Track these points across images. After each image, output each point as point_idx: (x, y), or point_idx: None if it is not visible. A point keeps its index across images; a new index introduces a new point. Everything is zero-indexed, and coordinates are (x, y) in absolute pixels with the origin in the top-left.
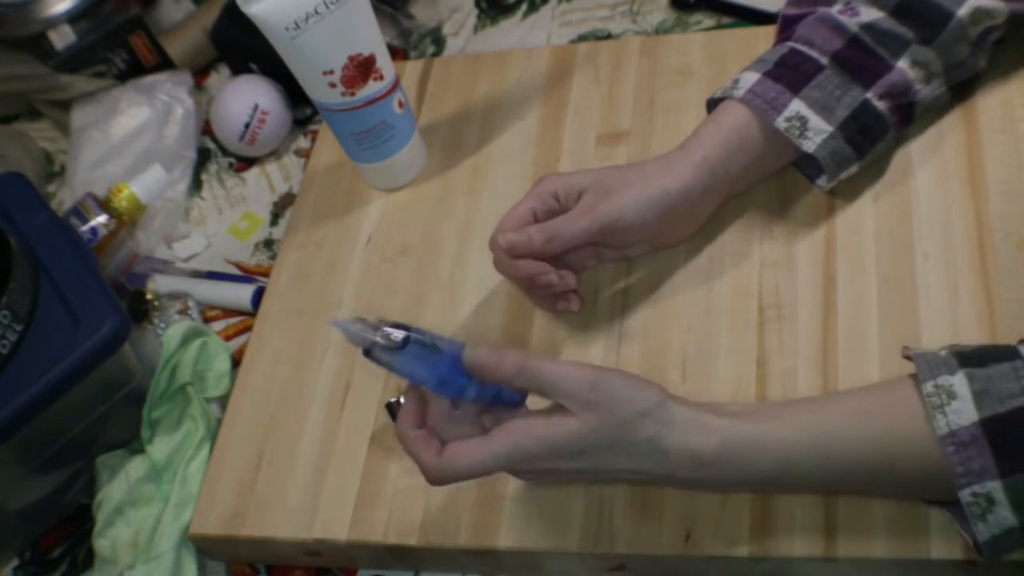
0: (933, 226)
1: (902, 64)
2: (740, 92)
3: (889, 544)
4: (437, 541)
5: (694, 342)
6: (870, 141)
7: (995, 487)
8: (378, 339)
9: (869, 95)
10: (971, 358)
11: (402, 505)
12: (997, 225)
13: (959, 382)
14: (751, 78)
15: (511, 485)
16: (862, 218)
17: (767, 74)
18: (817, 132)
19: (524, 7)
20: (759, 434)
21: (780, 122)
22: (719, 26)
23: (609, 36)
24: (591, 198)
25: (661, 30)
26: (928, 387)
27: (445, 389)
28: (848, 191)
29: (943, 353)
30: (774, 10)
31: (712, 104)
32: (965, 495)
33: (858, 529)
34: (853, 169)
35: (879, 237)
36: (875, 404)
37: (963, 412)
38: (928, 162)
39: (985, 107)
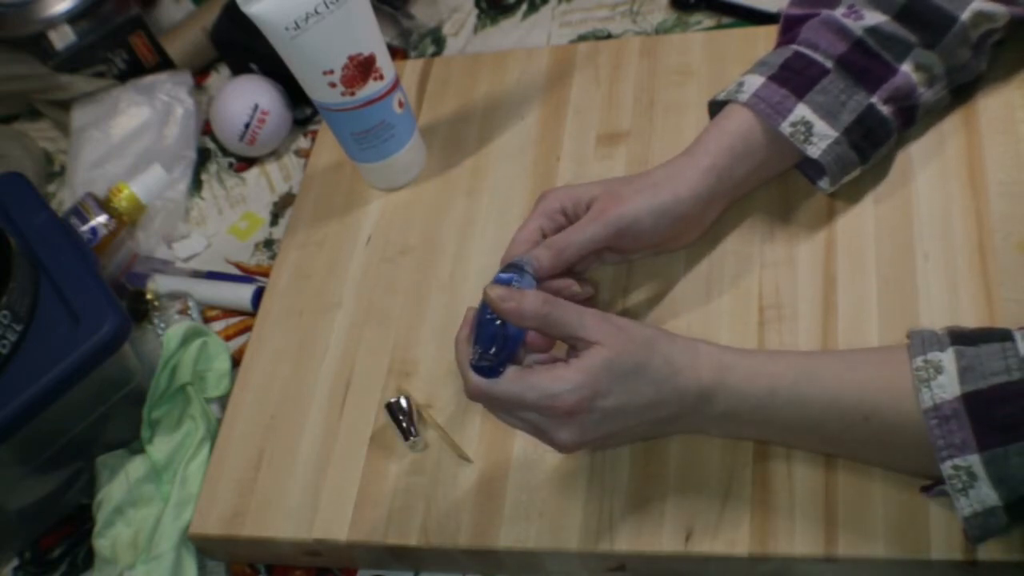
0: (933, 227)
1: (906, 68)
2: (744, 96)
3: (889, 544)
4: (437, 541)
5: None
6: (873, 145)
7: (975, 460)
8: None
9: (874, 99)
10: (964, 337)
11: (402, 505)
12: (997, 226)
13: (947, 358)
14: (755, 82)
15: (511, 485)
16: (862, 219)
17: (772, 78)
18: (822, 137)
19: (524, 7)
20: (752, 364)
21: (785, 127)
22: (719, 26)
23: (609, 36)
24: (602, 205)
25: (661, 30)
26: (918, 361)
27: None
28: (848, 192)
29: (939, 331)
30: (774, 10)
31: (714, 107)
32: (947, 468)
33: (858, 529)
34: (855, 173)
35: (879, 238)
36: (866, 358)
37: (947, 387)
38: (929, 163)
39: (986, 109)
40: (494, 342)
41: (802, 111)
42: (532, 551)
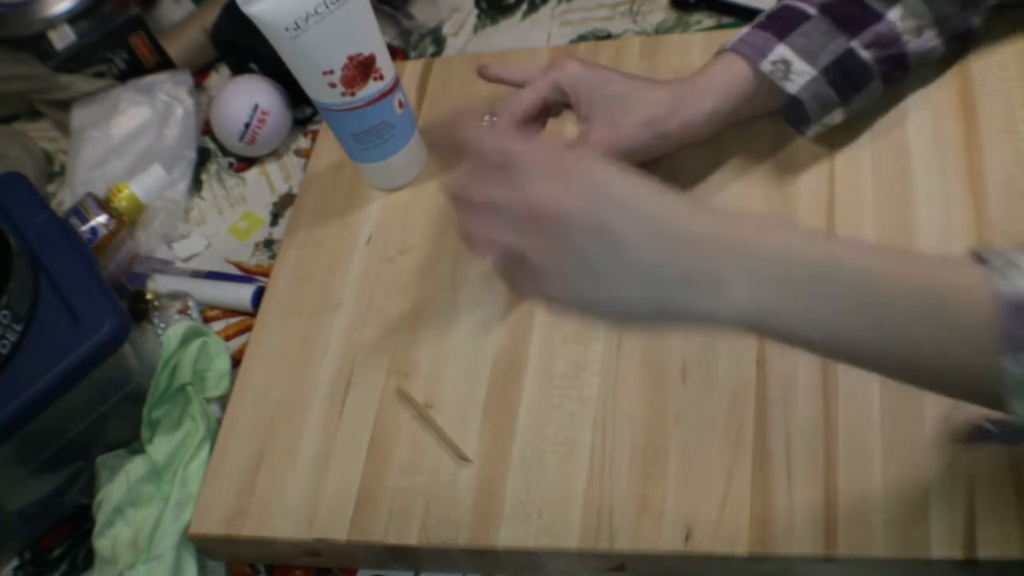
0: (933, 227)
1: (892, 16)
2: (731, 43)
3: (889, 544)
4: (437, 541)
5: (694, 343)
6: (853, 88)
7: None
8: None
9: (854, 44)
10: None
11: (402, 505)
12: (997, 225)
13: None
14: (744, 31)
15: (511, 485)
16: (862, 218)
17: (757, 25)
18: (800, 74)
19: (524, 7)
20: (803, 232)
21: (765, 65)
22: (719, 26)
23: (609, 36)
24: (599, 135)
25: (661, 30)
26: (990, 259)
27: None
28: (847, 190)
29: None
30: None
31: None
32: (1011, 363)
33: (858, 529)
34: (837, 116)
35: (879, 238)
36: (932, 257)
37: None
38: (928, 163)
39: (985, 107)
40: None
41: (782, 51)
42: (532, 551)
